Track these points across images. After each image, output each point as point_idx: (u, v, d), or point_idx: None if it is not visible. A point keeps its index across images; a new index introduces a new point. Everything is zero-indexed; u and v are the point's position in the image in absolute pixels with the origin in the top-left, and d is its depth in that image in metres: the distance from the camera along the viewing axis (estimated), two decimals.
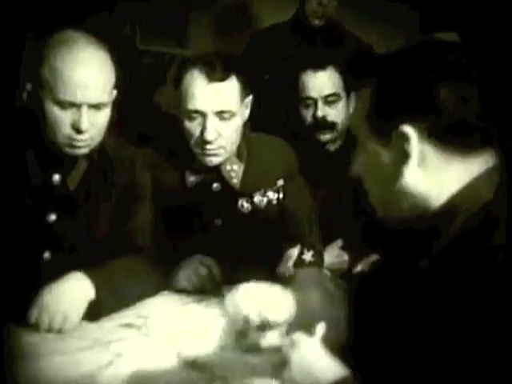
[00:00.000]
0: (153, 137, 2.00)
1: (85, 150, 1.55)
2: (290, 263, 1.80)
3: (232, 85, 1.75)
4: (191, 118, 1.76)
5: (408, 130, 0.98)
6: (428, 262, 0.96)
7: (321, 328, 1.19)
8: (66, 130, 1.50)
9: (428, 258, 0.96)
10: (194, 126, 1.76)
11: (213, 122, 1.74)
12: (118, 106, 1.59)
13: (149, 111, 3.14)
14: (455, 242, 0.94)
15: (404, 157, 0.99)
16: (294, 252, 1.81)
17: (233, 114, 1.76)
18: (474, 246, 0.91)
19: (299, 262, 1.81)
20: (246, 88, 1.79)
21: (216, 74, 1.72)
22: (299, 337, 1.13)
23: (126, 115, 1.86)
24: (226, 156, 1.81)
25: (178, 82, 1.76)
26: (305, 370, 1.06)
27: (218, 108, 1.73)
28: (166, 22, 3.45)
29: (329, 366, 1.06)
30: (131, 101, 2.26)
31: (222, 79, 1.73)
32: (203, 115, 1.74)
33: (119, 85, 1.58)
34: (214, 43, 3.45)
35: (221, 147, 1.77)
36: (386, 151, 1.01)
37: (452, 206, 0.97)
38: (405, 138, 0.98)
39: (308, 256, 1.82)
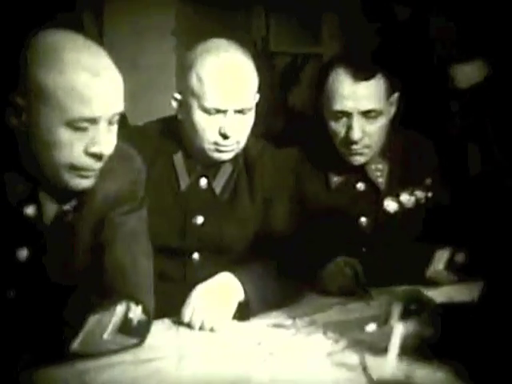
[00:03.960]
0: (291, 138, 2.00)
1: (230, 155, 1.58)
2: (441, 265, 1.74)
3: (378, 83, 1.74)
4: (337, 118, 1.76)
5: None
6: None
7: None
8: (213, 135, 1.54)
9: None
10: (339, 127, 1.76)
11: (359, 122, 1.73)
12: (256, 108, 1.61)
13: (284, 112, 3.17)
14: None
15: None
16: (445, 253, 1.74)
17: (379, 113, 1.75)
18: None
19: (451, 264, 1.74)
20: (392, 85, 1.77)
21: (361, 72, 1.71)
22: None
23: (263, 117, 1.88)
24: (371, 155, 1.79)
25: (322, 82, 1.76)
26: None
27: (364, 107, 1.73)
28: (299, 22, 3.46)
29: None
30: (267, 103, 2.29)
31: (368, 78, 1.72)
32: (348, 115, 1.74)
33: (260, 88, 1.60)
34: (347, 41, 3.42)
35: (366, 146, 1.76)
36: None
37: None
38: None
39: (460, 258, 1.74)
